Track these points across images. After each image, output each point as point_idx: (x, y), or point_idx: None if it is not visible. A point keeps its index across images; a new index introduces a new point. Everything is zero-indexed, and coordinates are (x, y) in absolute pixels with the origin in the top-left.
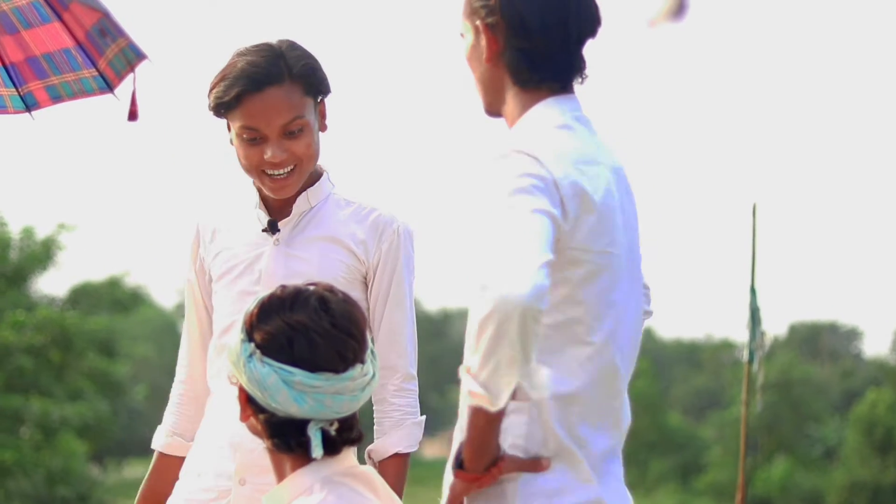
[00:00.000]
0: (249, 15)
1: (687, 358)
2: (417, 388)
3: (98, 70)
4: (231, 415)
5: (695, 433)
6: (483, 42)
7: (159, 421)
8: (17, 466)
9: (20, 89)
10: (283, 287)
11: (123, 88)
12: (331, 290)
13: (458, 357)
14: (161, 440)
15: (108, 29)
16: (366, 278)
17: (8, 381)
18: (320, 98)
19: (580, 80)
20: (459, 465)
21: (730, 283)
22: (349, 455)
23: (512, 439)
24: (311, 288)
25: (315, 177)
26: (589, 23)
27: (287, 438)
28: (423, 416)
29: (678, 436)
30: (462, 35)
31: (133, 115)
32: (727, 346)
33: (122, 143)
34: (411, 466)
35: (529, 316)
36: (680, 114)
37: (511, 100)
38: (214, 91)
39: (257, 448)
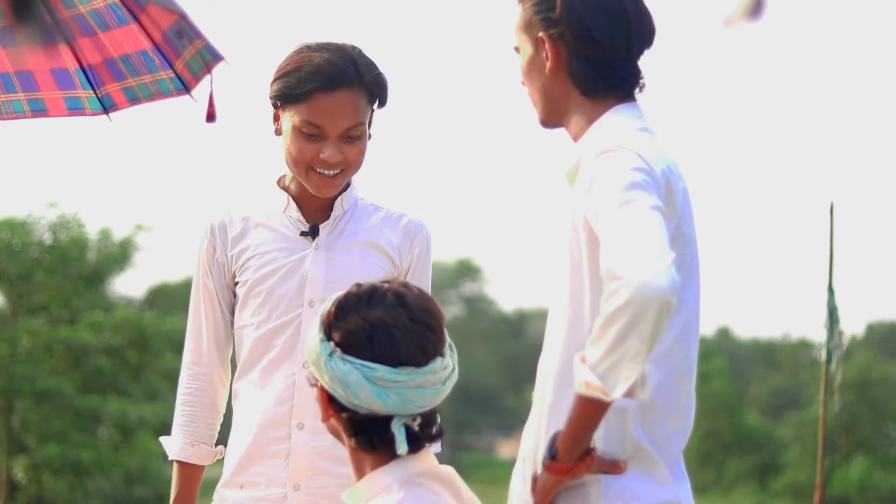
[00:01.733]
0: (318, 17)
1: (764, 357)
2: None
3: (175, 72)
4: (274, 422)
5: (772, 433)
6: (545, 54)
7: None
8: (96, 466)
9: (98, 91)
10: (359, 285)
11: (200, 90)
12: (405, 285)
13: (534, 357)
14: (187, 451)
15: (184, 30)
16: None
17: (86, 381)
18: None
19: (639, 89)
20: (553, 457)
21: (807, 283)
22: (430, 455)
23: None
24: (386, 285)
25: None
26: (647, 34)
27: (370, 436)
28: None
29: (755, 436)
30: (517, 49)
31: (211, 117)
32: (805, 346)
33: (199, 145)
34: (486, 466)
35: (665, 309)
36: (758, 112)
37: (576, 109)
38: (284, 80)
39: (310, 452)
